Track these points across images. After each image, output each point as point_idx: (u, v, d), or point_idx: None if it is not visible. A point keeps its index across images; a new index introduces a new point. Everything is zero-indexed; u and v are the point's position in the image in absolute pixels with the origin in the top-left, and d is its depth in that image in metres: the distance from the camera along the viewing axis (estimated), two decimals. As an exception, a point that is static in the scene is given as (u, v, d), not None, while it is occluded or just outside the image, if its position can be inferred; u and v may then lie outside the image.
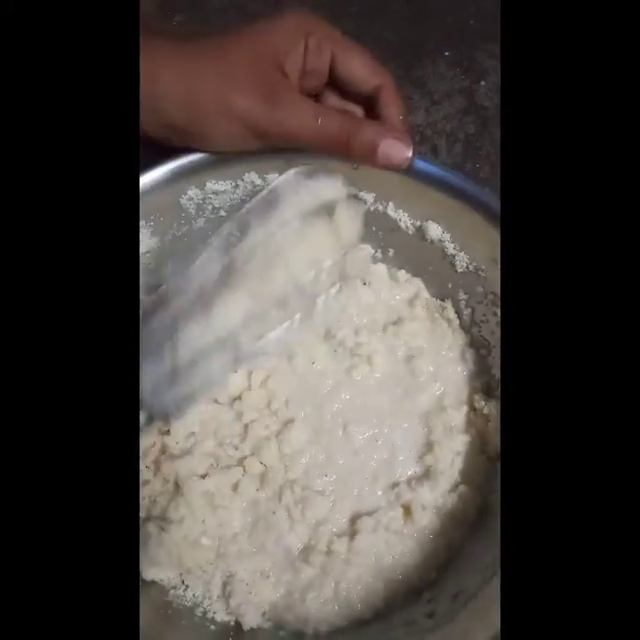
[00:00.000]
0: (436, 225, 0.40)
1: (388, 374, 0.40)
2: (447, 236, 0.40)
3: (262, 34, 0.35)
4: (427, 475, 0.38)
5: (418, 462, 0.38)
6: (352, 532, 0.36)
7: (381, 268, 0.43)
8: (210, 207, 0.41)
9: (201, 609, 0.35)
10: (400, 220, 0.41)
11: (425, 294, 0.43)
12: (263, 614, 0.35)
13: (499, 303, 0.39)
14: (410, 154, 0.35)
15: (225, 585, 0.35)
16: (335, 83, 0.38)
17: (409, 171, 0.37)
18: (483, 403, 0.39)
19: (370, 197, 0.41)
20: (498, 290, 0.39)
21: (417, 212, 0.40)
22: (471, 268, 0.40)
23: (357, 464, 0.38)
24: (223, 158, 0.38)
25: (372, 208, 0.41)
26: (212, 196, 0.40)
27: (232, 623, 0.35)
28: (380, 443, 0.39)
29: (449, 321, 0.42)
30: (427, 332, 0.42)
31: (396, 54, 0.56)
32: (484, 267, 0.39)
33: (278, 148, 0.36)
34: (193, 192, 0.40)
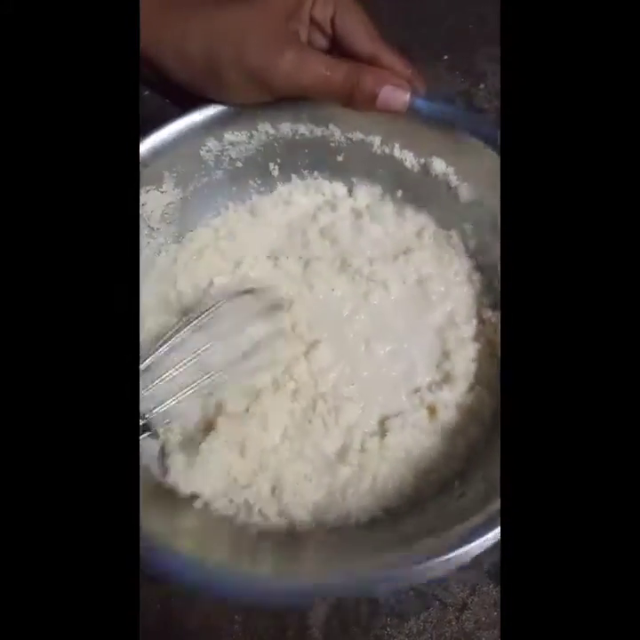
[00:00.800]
0: (439, 160, 0.43)
1: (402, 297, 0.44)
2: (451, 169, 0.43)
3: None
4: (445, 379, 0.41)
5: (436, 370, 0.42)
6: (382, 432, 0.39)
7: (388, 207, 0.46)
8: (228, 158, 0.44)
9: (241, 516, 0.38)
10: (405, 160, 0.44)
11: (431, 226, 0.46)
12: (310, 513, 0.38)
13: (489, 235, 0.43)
14: (407, 98, 0.38)
15: (273, 489, 0.38)
16: (338, 42, 0.40)
17: (411, 109, 0.40)
18: (490, 313, 0.43)
19: (376, 140, 0.44)
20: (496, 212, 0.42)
21: (421, 150, 0.43)
22: (474, 197, 0.43)
23: (381, 375, 0.41)
24: (238, 110, 0.41)
25: (379, 151, 0.44)
26: (229, 147, 0.43)
27: (276, 525, 0.37)
28: (399, 356, 0.42)
29: (455, 248, 0.45)
30: (435, 259, 0.45)
31: None
32: (486, 195, 0.42)
33: (289, 98, 0.39)
34: (211, 143, 0.42)
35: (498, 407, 0.40)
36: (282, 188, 0.47)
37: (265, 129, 0.43)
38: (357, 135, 0.44)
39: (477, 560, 0.38)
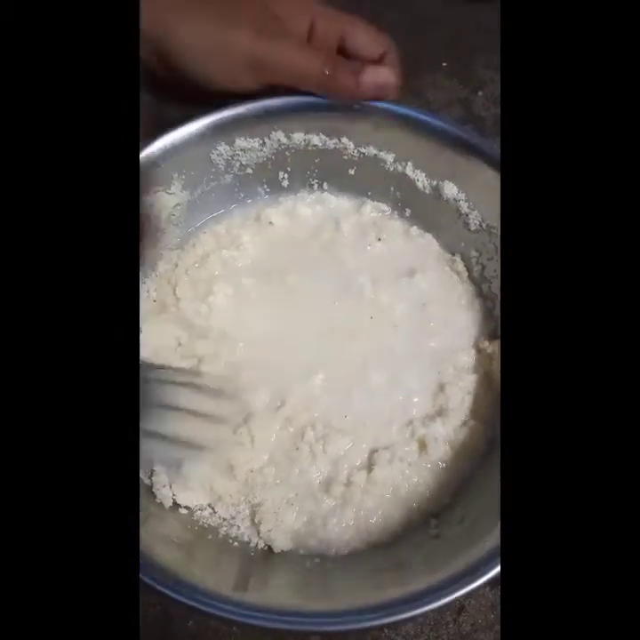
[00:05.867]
0: (451, 184, 0.42)
1: (404, 321, 0.43)
2: (462, 195, 0.42)
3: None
4: (439, 412, 0.40)
5: (431, 402, 0.41)
6: (370, 465, 0.39)
7: (396, 225, 0.46)
8: (238, 164, 0.43)
9: (224, 529, 0.38)
10: (417, 180, 0.43)
11: (436, 247, 0.45)
12: (289, 539, 0.38)
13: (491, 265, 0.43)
14: (393, 80, 0.38)
15: (254, 513, 0.38)
16: (345, 52, 0.41)
17: (428, 130, 0.40)
18: (487, 343, 0.42)
19: (389, 157, 0.43)
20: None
21: (434, 172, 0.43)
22: (484, 226, 0.42)
23: (374, 405, 0.41)
24: (252, 115, 0.41)
25: (391, 169, 0.44)
26: (240, 153, 0.43)
27: (255, 545, 0.38)
28: (395, 385, 0.41)
29: (458, 273, 0.45)
30: (439, 283, 0.44)
31: None
32: (495, 225, 0.42)
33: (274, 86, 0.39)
34: (223, 148, 0.42)
35: (491, 439, 0.40)
36: (289, 199, 0.46)
37: (277, 137, 0.42)
38: (371, 150, 0.43)
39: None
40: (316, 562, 0.37)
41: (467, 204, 0.42)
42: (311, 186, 0.46)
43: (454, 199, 0.43)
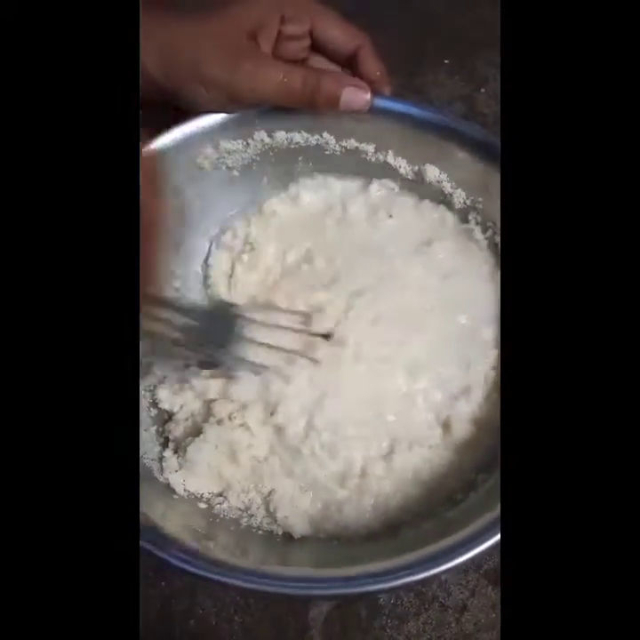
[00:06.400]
0: (433, 166, 0.43)
1: (427, 297, 0.42)
2: (444, 176, 0.43)
3: (238, 8, 0.39)
4: (464, 391, 0.40)
5: (457, 382, 0.40)
6: (389, 454, 0.38)
7: (407, 200, 0.45)
8: (224, 166, 0.44)
9: (245, 520, 0.38)
10: (400, 167, 0.45)
11: (450, 217, 0.45)
12: (307, 522, 0.38)
13: (496, 230, 0.43)
14: (368, 97, 0.39)
15: (267, 502, 0.38)
16: (318, 47, 0.42)
17: (404, 118, 0.41)
18: None
19: (370, 148, 0.44)
20: (494, 218, 0.43)
21: (414, 157, 0.44)
22: (468, 202, 0.44)
23: (398, 395, 0.40)
24: (234, 118, 0.42)
25: (373, 159, 0.45)
26: (225, 155, 0.44)
27: (276, 533, 0.38)
28: (420, 372, 0.40)
29: (477, 242, 0.44)
30: (459, 252, 0.44)
31: (398, 62, 0.56)
32: (480, 199, 0.43)
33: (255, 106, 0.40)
34: (208, 151, 0.43)
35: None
36: (292, 188, 0.46)
37: (260, 137, 0.43)
38: (352, 143, 0.44)
39: (477, 563, 0.38)
40: (334, 544, 0.37)
41: (449, 184, 0.44)
42: (297, 182, 0.47)
43: (437, 180, 0.44)
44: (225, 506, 0.38)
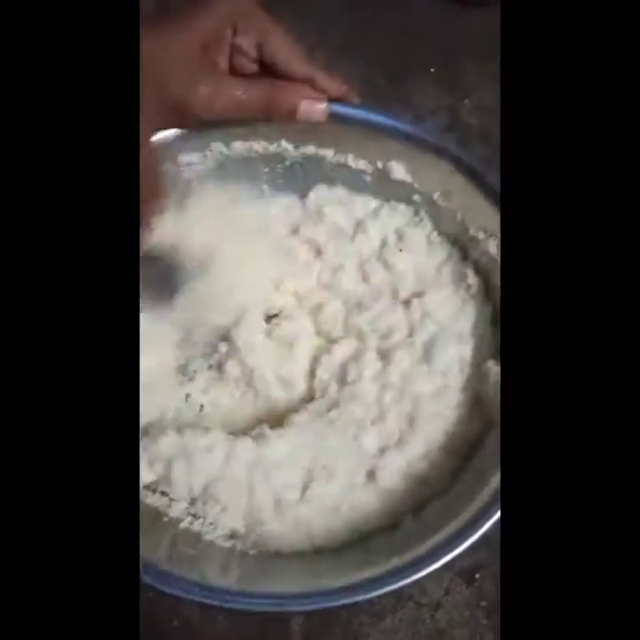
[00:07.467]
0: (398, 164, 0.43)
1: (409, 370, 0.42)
2: (409, 177, 0.43)
3: (196, 18, 0.37)
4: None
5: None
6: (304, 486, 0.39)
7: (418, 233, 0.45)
8: (182, 180, 0.44)
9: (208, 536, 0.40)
10: (363, 171, 0.44)
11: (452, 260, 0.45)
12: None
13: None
14: (325, 107, 0.39)
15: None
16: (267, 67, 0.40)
17: (364, 124, 0.41)
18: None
19: (329, 153, 0.44)
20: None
21: (375, 158, 0.43)
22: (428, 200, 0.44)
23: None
24: (190, 131, 0.42)
25: (334, 162, 0.44)
26: (184, 169, 0.44)
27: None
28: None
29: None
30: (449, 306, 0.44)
31: (383, 70, 0.57)
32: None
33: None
34: (166, 166, 0.43)
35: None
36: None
37: (218, 148, 0.43)
38: (310, 149, 0.43)
39: (450, 563, 0.39)
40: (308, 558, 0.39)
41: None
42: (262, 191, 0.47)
43: (403, 180, 0.43)
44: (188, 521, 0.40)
